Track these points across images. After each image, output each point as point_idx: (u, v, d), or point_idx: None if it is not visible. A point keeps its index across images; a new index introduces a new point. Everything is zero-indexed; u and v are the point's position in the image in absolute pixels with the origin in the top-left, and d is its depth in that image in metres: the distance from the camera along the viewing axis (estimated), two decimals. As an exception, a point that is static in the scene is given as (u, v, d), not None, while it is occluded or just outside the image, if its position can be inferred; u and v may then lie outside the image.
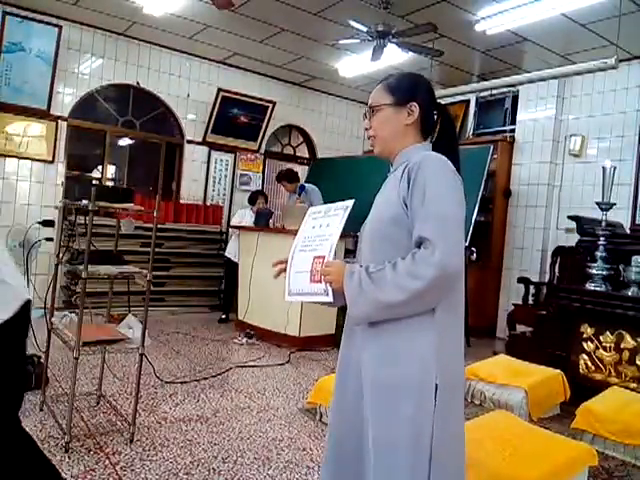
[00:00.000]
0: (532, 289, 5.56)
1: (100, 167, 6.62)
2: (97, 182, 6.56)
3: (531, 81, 6.13)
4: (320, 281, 1.37)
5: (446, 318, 1.32)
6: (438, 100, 1.53)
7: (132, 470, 2.50)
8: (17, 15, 5.47)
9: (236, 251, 5.96)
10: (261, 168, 7.56)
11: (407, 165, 1.37)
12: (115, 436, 2.84)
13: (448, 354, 1.32)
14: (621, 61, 5.18)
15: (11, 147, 5.71)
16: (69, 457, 2.56)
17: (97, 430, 2.90)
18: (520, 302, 5.58)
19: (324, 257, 1.38)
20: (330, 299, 1.37)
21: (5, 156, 5.70)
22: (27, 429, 2.76)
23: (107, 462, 2.55)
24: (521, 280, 5.62)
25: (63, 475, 2.35)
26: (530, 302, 5.50)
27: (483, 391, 3.74)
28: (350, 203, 1.43)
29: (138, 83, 6.46)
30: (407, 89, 1.48)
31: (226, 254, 6.24)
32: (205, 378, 3.94)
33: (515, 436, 2.57)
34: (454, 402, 1.35)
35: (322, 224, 1.47)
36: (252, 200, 6.20)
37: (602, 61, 5.17)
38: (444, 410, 1.29)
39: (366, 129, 1.53)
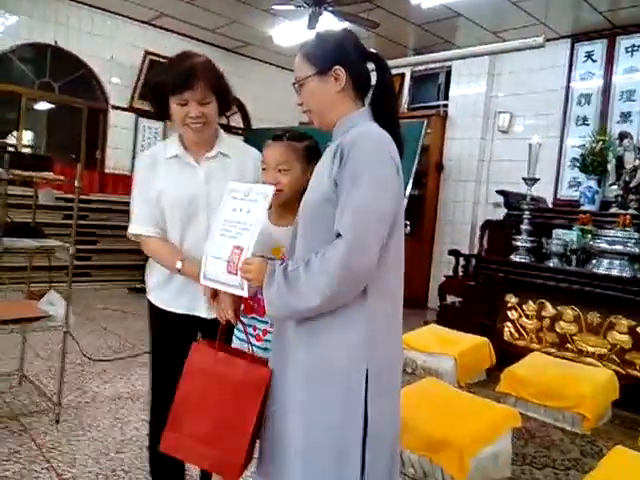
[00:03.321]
0: (462, 261, 5.76)
1: (15, 133, 6.14)
2: (12, 149, 6.08)
3: (463, 57, 6.25)
4: (236, 274, 1.34)
5: (379, 305, 1.28)
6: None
7: (59, 451, 2.41)
8: None
9: None
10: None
11: (341, 141, 1.28)
12: (40, 417, 2.71)
13: (381, 341, 1.29)
14: (548, 40, 5.37)
15: None
16: (-10, 441, 2.42)
17: (20, 411, 2.75)
18: (450, 274, 5.77)
19: (243, 249, 1.34)
20: (245, 294, 1.35)
21: None
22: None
23: (32, 444, 2.44)
24: (451, 252, 5.81)
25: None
26: (460, 274, 5.70)
27: (415, 359, 3.87)
28: (270, 191, 1.36)
29: (56, 42, 6.00)
30: (327, 53, 1.35)
31: None
32: (136, 355, 3.81)
33: (445, 401, 2.68)
34: (389, 382, 1.33)
35: (242, 208, 1.41)
36: None
37: (531, 39, 5.34)
38: (378, 391, 1.27)
39: (299, 104, 1.42)
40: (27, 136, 6.37)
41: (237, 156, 1.76)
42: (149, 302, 1.81)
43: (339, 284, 1.18)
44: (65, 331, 2.68)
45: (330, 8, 4.93)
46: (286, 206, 1.55)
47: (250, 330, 1.57)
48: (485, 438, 2.44)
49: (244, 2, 5.67)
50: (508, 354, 3.92)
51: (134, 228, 1.73)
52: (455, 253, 5.77)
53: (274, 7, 5.20)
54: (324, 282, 1.18)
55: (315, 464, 1.27)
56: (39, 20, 5.86)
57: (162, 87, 1.63)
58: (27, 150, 6.27)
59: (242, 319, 1.54)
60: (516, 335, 4.22)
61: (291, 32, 6.19)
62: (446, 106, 6.78)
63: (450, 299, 5.39)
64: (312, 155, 1.56)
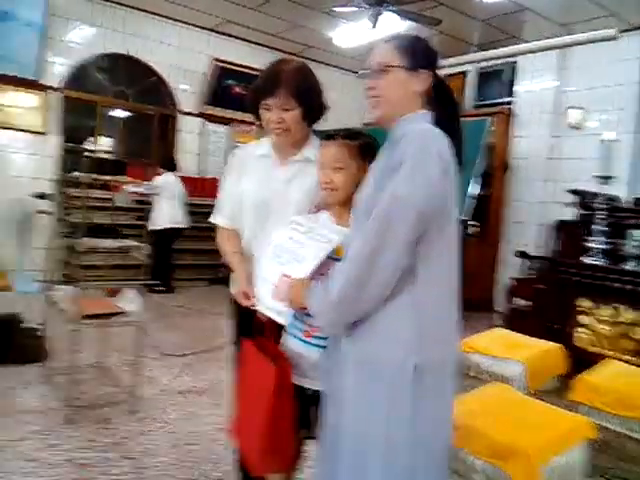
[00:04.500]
0: (530, 263, 5.56)
1: (92, 139, 6.50)
2: (90, 154, 6.45)
3: (531, 51, 6.03)
4: (280, 301, 1.43)
5: (428, 294, 1.28)
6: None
7: (133, 441, 2.53)
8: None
9: (164, 220, 5.80)
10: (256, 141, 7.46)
11: (395, 136, 1.33)
12: (116, 407, 2.86)
13: (431, 337, 1.29)
14: (622, 32, 5.10)
15: (1, 118, 5.58)
16: (72, 428, 2.58)
17: (99, 402, 2.92)
18: (518, 276, 5.59)
19: (291, 279, 1.41)
20: (284, 322, 1.46)
21: (-4, 127, 5.59)
22: (30, 401, 2.80)
23: (109, 433, 2.58)
24: (519, 254, 5.63)
25: (66, 446, 2.38)
26: (528, 276, 5.51)
27: (479, 363, 3.77)
28: (335, 239, 1.41)
29: (128, 52, 6.30)
30: (423, 54, 1.38)
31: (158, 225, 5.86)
32: (204, 351, 3.95)
33: (513, 408, 2.60)
34: (439, 382, 1.32)
35: (299, 240, 1.47)
36: None
37: (602, 31, 5.09)
38: (426, 392, 1.26)
39: (369, 88, 1.39)
40: (105, 142, 6.72)
41: None
42: (230, 295, 1.88)
43: (358, 271, 1.23)
44: (140, 326, 2.82)
45: (392, 7, 4.90)
46: (345, 205, 1.55)
47: (300, 325, 1.57)
48: (557, 447, 2.35)
49: (306, 6, 5.74)
50: (580, 361, 3.74)
51: (213, 217, 1.87)
52: (523, 254, 5.59)
53: (335, 9, 5.23)
54: (346, 273, 1.25)
55: (363, 459, 1.29)
56: (114, 31, 6.19)
57: (254, 92, 1.71)
58: (104, 155, 6.63)
59: (295, 315, 1.57)
60: (588, 341, 4.03)
61: (351, 33, 6.21)
62: (511, 103, 6.58)
63: (518, 302, 5.22)
64: (367, 153, 1.55)
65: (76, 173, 2.95)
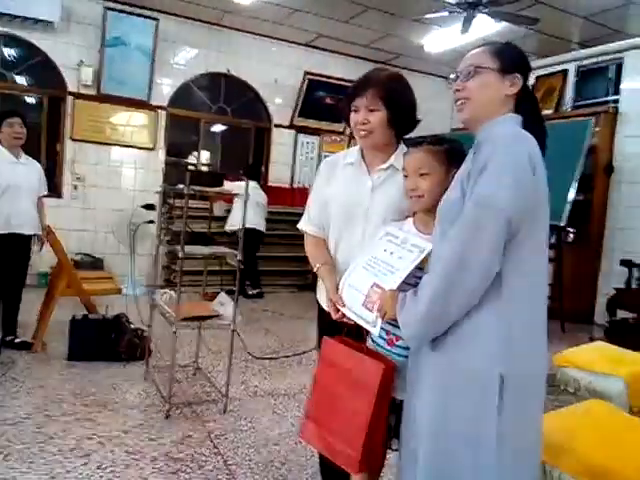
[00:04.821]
0: (636, 272, 5.16)
1: (195, 153, 6.96)
2: (192, 167, 6.91)
3: (638, 47, 5.61)
4: (372, 311, 1.43)
5: (518, 301, 1.24)
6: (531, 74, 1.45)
7: (225, 438, 2.67)
8: (117, 10, 5.85)
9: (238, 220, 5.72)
10: (345, 149, 7.57)
11: (480, 139, 1.31)
12: (210, 406, 3.03)
13: (518, 347, 1.24)
14: None
15: (116, 136, 6.16)
16: (169, 424, 2.77)
17: (194, 400, 3.11)
18: (622, 286, 5.20)
19: (383, 289, 1.42)
20: (376, 332, 1.46)
21: (111, 144, 6.16)
22: (133, 397, 3.06)
23: (203, 429, 2.74)
24: (624, 263, 5.24)
25: (164, 440, 2.57)
26: (634, 286, 5.11)
27: (577, 379, 3.56)
28: (428, 248, 1.40)
29: (228, 70, 6.68)
30: (514, 58, 1.37)
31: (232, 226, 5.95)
32: (293, 355, 4.08)
33: (613, 426, 2.44)
34: (528, 396, 1.27)
35: (394, 252, 1.47)
36: None
37: None
38: (513, 405, 1.22)
39: (457, 90, 1.38)
40: (205, 155, 7.16)
41: None
42: (316, 300, 1.93)
43: (446, 282, 1.22)
44: (233, 329, 2.98)
45: (486, 9, 4.79)
46: (430, 212, 1.51)
47: (383, 334, 1.57)
48: (661, 472, 2.19)
49: (396, 15, 5.76)
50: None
51: (301, 224, 1.94)
52: (628, 263, 5.20)
53: (427, 16, 5.20)
54: (434, 283, 1.24)
55: (445, 475, 1.27)
56: (214, 52, 6.59)
57: (346, 96, 1.76)
58: (205, 168, 7.06)
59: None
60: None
61: (442, 39, 6.14)
62: (617, 101, 6.14)
63: (622, 314, 4.86)
64: (454, 158, 1.52)
65: (179, 185, 3.17)
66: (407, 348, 1.49)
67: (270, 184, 7.05)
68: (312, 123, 7.20)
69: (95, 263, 5.84)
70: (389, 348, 1.58)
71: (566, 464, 2.11)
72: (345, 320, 1.60)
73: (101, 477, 2.23)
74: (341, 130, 7.38)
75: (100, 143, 6.10)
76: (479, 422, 1.23)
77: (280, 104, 7.06)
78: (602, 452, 2.19)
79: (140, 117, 6.26)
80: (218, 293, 3.19)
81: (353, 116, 1.72)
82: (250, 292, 6.17)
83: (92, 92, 5.96)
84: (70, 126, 5.95)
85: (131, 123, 6.23)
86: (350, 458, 1.48)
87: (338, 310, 1.61)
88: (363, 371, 1.49)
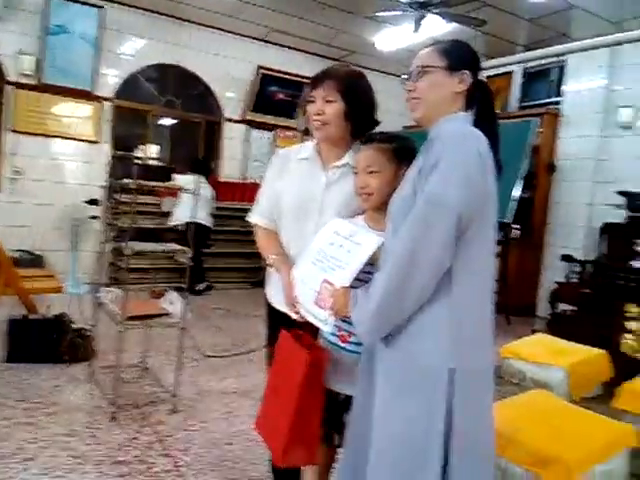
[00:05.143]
0: (575, 267, 5.40)
1: (142, 146, 6.76)
2: (139, 161, 6.70)
3: (582, 50, 5.85)
4: (324, 308, 1.41)
5: (467, 297, 1.26)
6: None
7: (175, 438, 2.61)
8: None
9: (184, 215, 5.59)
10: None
11: (432, 136, 1.32)
12: (158, 406, 2.96)
13: (470, 336, 1.26)
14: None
15: (59, 128, 5.89)
16: (115, 426, 2.68)
17: (141, 401, 3.02)
18: (563, 280, 5.43)
19: (334, 286, 1.40)
20: (329, 330, 1.45)
21: (53, 136, 5.88)
22: (77, 399, 2.94)
23: (151, 431, 2.67)
24: (565, 258, 5.47)
25: (109, 444, 2.48)
26: (573, 280, 5.35)
27: (522, 370, 3.69)
28: (378, 242, 1.38)
29: (177, 62, 6.52)
30: (462, 56, 1.39)
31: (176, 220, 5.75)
32: (245, 352, 4.03)
33: (555, 415, 2.54)
34: (479, 390, 1.29)
35: (343, 245, 1.44)
36: None
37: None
38: (464, 401, 1.23)
39: (409, 90, 1.40)
40: (154, 149, 6.97)
41: None
42: (265, 297, 1.89)
43: (397, 278, 1.23)
44: (182, 327, 2.91)
45: (436, 10, 4.88)
46: (381, 210, 1.52)
47: (335, 331, 1.57)
48: (597, 456, 2.28)
49: (349, 12, 5.78)
50: (626, 368, 3.61)
51: (250, 216, 1.88)
52: (568, 258, 5.43)
53: (380, 14, 5.25)
54: (386, 280, 1.24)
55: (393, 468, 1.28)
56: (163, 43, 6.40)
57: (306, 92, 1.74)
58: (154, 162, 6.87)
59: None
60: (636, 348, 3.88)
61: (394, 37, 6.21)
62: (559, 103, 6.40)
63: (562, 307, 5.08)
64: (404, 156, 1.52)
65: (125, 180, 3.07)
66: (360, 344, 1.50)
67: (221, 179, 6.94)
68: (265, 118, 7.13)
69: (35, 260, 5.57)
70: (343, 345, 1.59)
71: (511, 454, 2.19)
72: (298, 318, 1.57)
73: (43, 483, 2.14)
74: (295, 126, 7.34)
75: (41, 135, 5.82)
76: (431, 418, 1.23)
77: (232, 98, 6.95)
78: (545, 441, 2.27)
79: (84, 108, 6.01)
80: (166, 291, 3.12)
81: (309, 107, 1.71)
82: (197, 288, 6.03)
83: (33, 82, 5.68)
84: (9, 117, 5.66)
85: (75, 114, 5.97)
86: (275, 449, 1.50)
87: (297, 311, 1.57)
88: (293, 361, 1.51)
